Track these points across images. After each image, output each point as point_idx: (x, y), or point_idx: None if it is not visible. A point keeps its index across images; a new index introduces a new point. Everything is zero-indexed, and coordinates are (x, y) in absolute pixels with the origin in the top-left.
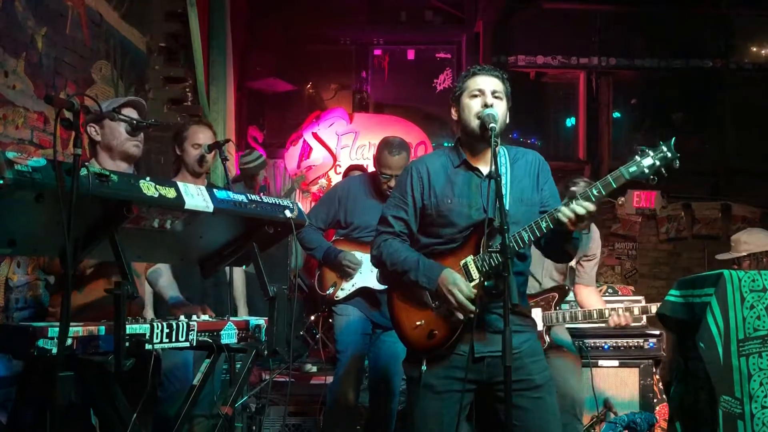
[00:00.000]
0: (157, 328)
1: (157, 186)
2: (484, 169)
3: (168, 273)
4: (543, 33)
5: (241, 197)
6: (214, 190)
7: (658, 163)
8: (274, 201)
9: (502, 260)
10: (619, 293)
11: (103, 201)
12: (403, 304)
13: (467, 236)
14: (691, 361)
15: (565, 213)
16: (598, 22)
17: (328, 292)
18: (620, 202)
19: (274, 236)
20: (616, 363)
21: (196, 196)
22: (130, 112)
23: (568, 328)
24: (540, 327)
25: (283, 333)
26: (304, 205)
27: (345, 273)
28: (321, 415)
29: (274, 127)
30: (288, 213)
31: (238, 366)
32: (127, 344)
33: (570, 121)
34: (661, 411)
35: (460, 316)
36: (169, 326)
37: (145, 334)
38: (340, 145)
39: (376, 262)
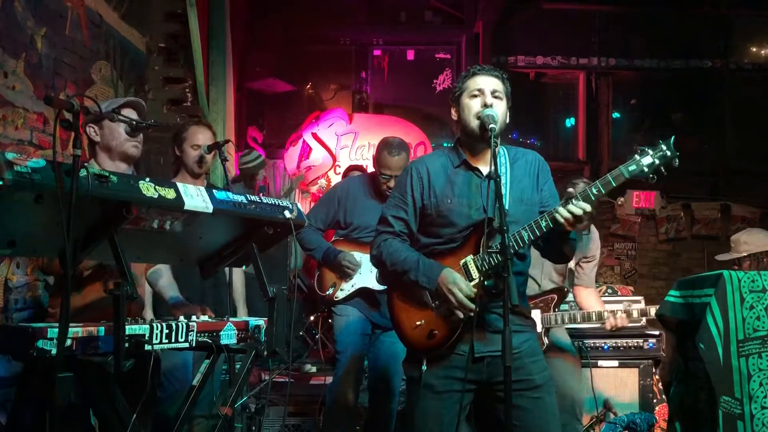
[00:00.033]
0: (157, 329)
1: (157, 187)
2: (484, 169)
3: (168, 273)
4: (542, 33)
5: (240, 198)
6: (214, 191)
7: (657, 161)
8: (273, 202)
9: (501, 260)
10: (619, 293)
11: (102, 202)
12: (403, 304)
13: (467, 236)
14: (691, 361)
15: (562, 213)
16: (598, 23)
17: (327, 293)
18: (620, 203)
19: (273, 237)
20: (615, 363)
21: (195, 197)
22: (130, 113)
23: (567, 329)
24: (539, 328)
25: (282, 333)
26: (304, 206)
27: (344, 273)
28: (320, 415)
29: (273, 128)
30: (287, 214)
31: (238, 366)
32: (126, 345)
33: (569, 122)
34: (661, 411)
35: (461, 315)
36: (169, 327)
37: (144, 335)
38: (340, 145)
39: (376, 261)
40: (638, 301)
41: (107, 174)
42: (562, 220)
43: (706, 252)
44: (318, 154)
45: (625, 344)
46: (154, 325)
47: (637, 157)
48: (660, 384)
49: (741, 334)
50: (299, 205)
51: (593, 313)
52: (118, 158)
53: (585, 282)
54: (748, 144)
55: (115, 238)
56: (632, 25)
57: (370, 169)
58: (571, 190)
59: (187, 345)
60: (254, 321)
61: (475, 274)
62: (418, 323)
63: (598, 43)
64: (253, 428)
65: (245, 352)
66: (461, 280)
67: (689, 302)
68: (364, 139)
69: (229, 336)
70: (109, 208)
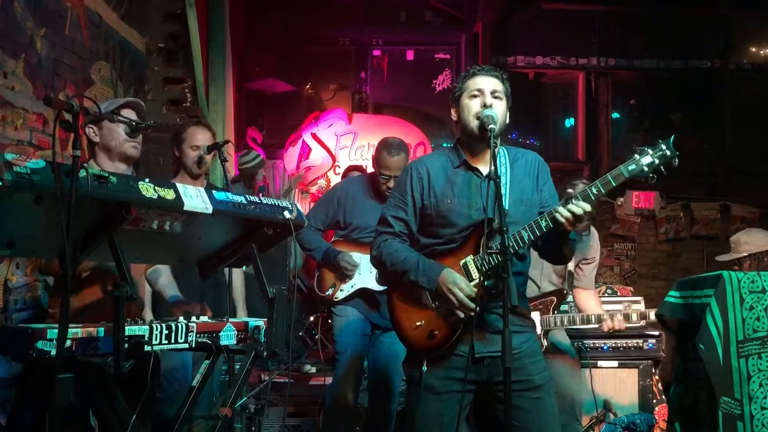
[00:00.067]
0: (156, 330)
1: (156, 187)
2: (484, 169)
3: (168, 272)
4: (542, 33)
5: (240, 198)
6: (213, 192)
7: (657, 161)
8: (273, 202)
9: (501, 260)
10: (618, 294)
11: (102, 203)
12: (403, 304)
13: (467, 236)
14: (691, 362)
15: (562, 213)
16: (597, 23)
17: (327, 293)
18: (619, 203)
19: (273, 237)
20: (615, 364)
21: (195, 198)
22: (129, 113)
23: (567, 329)
24: (538, 331)
25: (282, 334)
26: (303, 206)
27: (343, 274)
28: (320, 415)
29: (273, 128)
30: (287, 214)
31: (237, 367)
32: (126, 346)
33: (569, 122)
34: (661, 411)
35: (461, 315)
36: (168, 327)
37: (144, 336)
38: (339, 145)
39: (376, 262)
40: (638, 302)
41: (107, 175)
42: (562, 220)
43: (705, 252)
44: (317, 155)
45: (624, 345)
46: (154, 326)
47: (636, 156)
48: (660, 384)
49: (741, 335)
50: (299, 206)
51: (593, 316)
52: (117, 159)
53: (584, 284)
54: (747, 144)
55: (115, 239)
56: (632, 26)
57: (370, 169)
58: (570, 191)
59: (186, 346)
60: (254, 321)
61: (475, 274)
62: (418, 324)
63: (598, 44)
64: (253, 429)
65: (245, 352)
66: (462, 280)
67: (689, 303)
68: (363, 140)
69: (228, 337)
70: (109, 209)
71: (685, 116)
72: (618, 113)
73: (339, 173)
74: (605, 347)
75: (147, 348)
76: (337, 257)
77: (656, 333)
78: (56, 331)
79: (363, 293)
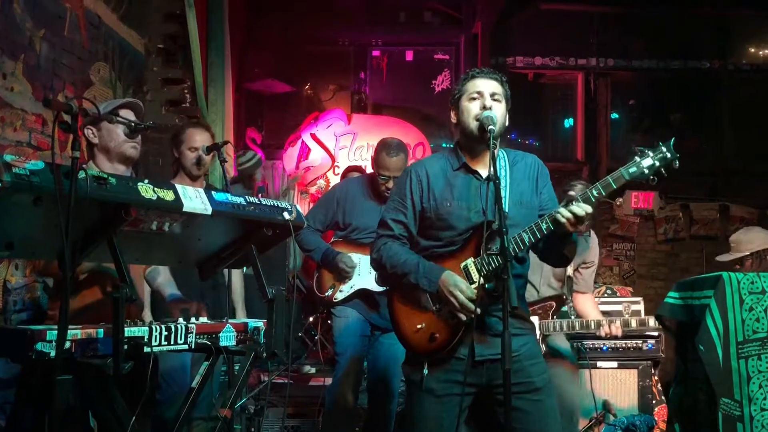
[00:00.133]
0: (156, 331)
1: (156, 189)
2: (484, 171)
3: (166, 271)
4: (541, 34)
5: (239, 199)
6: (213, 193)
7: (657, 163)
8: (272, 203)
9: (501, 263)
10: (618, 294)
11: (101, 204)
12: (403, 307)
13: (467, 239)
14: (691, 362)
15: (564, 214)
16: (596, 23)
17: (326, 294)
18: (618, 203)
19: (272, 238)
20: (614, 364)
21: (194, 199)
22: (128, 114)
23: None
24: (537, 335)
25: (281, 335)
26: (302, 206)
27: (341, 276)
28: (320, 416)
29: (272, 129)
30: (286, 215)
31: (237, 368)
32: (125, 347)
33: (568, 122)
34: (660, 412)
35: (462, 317)
36: (168, 329)
37: (143, 337)
38: (339, 146)
39: (376, 265)
40: (637, 302)
41: (106, 176)
42: (563, 221)
43: (704, 252)
44: (317, 155)
45: (624, 345)
46: (153, 327)
47: (637, 158)
48: (659, 385)
49: (740, 336)
50: (298, 206)
51: (592, 322)
52: (116, 160)
53: (583, 288)
54: (746, 144)
55: (114, 240)
56: (631, 26)
57: (369, 169)
58: (571, 193)
59: (186, 347)
60: (253, 322)
61: (476, 276)
62: (419, 326)
63: (597, 44)
64: (253, 430)
65: (244, 353)
66: (462, 282)
67: (688, 304)
68: (362, 140)
69: (228, 338)
70: (108, 210)
71: (684, 117)
72: (617, 114)
73: (338, 174)
74: (605, 348)
75: (146, 349)
76: (336, 258)
77: (656, 334)
78: (55, 332)
79: (362, 294)
